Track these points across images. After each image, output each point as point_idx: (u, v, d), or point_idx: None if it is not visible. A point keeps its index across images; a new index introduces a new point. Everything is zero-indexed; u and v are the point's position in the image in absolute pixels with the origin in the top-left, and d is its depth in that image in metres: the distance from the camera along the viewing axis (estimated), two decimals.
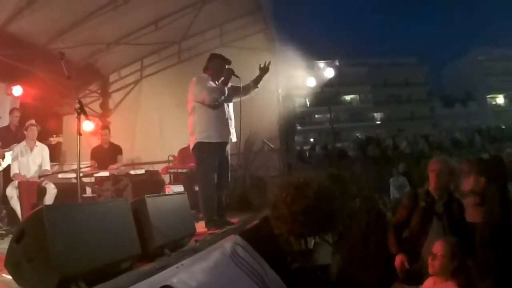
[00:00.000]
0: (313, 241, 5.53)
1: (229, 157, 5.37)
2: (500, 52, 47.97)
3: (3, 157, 6.61)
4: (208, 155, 5.05)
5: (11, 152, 6.62)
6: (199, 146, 5.05)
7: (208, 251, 3.60)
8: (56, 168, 8.45)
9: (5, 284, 2.67)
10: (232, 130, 5.27)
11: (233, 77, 5.23)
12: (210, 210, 5.02)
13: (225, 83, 5.16)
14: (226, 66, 5.26)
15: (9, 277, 2.56)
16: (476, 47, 50.57)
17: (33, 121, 6.77)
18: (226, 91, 5.11)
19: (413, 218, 4.00)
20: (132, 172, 7.32)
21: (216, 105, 5.06)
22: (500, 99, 50.05)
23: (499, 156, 8.20)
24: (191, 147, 5.19)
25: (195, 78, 5.17)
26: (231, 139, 5.25)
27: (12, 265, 2.50)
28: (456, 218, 3.85)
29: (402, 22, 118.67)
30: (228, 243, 3.93)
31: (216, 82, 5.20)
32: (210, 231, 4.73)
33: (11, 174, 6.47)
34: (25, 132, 6.69)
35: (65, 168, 8.39)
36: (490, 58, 48.25)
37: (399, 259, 3.80)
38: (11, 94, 7.88)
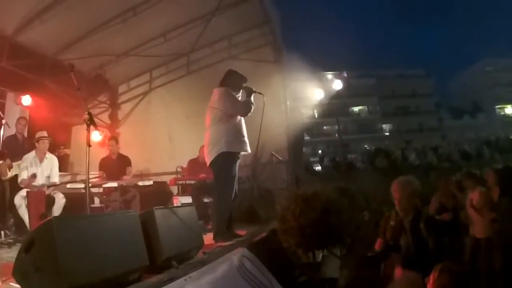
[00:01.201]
0: (321, 254, 5.48)
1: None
2: (508, 63, 47.44)
3: (10, 167, 6.63)
4: (232, 166, 5.13)
5: (18, 162, 6.66)
6: (225, 156, 5.08)
7: (216, 263, 3.58)
8: (68, 178, 8.49)
9: None
10: (247, 142, 5.35)
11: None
12: (223, 222, 5.03)
13: (249, 97, 5.32)
14: (243, 84, 5.40)
15: (17, 286, 2.57)
16: (483, 58, 50.36)
17: (44, 133, 6.81)
18: (254, 105, 5.28)
19: (388, 233, 4.18)
20: (140, 183, 7.32)
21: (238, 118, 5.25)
22: (508, 110, 49.57)
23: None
24: (210, 158, 5.17)
25: (220, 90, 5.25)
26: (246, 150, 5.32)
27: (20, 274, 2.52)
28: (421, 232, 3.95)
29: (409, 34, 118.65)
30: (236, 256, 3.91)
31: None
32: (218, 244, 4.72)
33: (19, 181, 6.50)
34: (36, 144, 6.71)
35: (74, 178, 8.40)
36: (498, 69, 47.90)
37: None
38: (20, 104, 7.93)
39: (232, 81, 5.37)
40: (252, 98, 5.31)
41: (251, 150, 5.37)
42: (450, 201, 6.94)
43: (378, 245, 4.04)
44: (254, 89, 5.34)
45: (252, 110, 5.25)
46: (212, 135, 5.20)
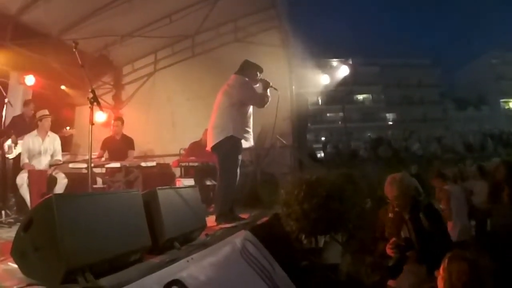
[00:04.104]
0: (323, 240, 5.48)
1: None
2: None
3: (16, 143, 6.60)
4: (237, 150, 5.16)
5: (23, 140, 6.64)
6: (232, 140, 5.09)
7: (218, 246, 3.57)
8: (68, 157, 8.47)
9: (10, 273, 2.64)
10: (251, 133, 5.40)
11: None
12: (228, 204, 5.04)
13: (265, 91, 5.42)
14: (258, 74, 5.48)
15: (15, 266, 2.53)
16: (489, 50, 49.95)
17: (46, 111, 6.75)
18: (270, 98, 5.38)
19: (387, 228, 4.06)
20: (143, 164, 7.29)
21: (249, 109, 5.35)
22: None
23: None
24: (215, 140, 5.17)
25: (240, 79, 5.32)
26: (250, 141, 5.37)
27: (19, 254, 2.47)
28: (422, 221, 3.88)
29: (416, 23, 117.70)
30: (238, 239, 3.90)
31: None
32: (221, 226, 4.71)
33: (21, 164, 6.48)
34: (39, 123, 6.67)
35: (77, 158, 8.38)
36: (504, 62, 47.60)
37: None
38: (24, 83, 7.89)
39: (250, 72, 5.43)
40: (268, 92, 5.38)
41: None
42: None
43: (389, 250, 3.86)
44: (270, 84, 5.41)
45: (268, 103, 5.34)
46: (220, 118, 5.21)
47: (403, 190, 3.94)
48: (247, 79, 5.33)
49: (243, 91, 5.21)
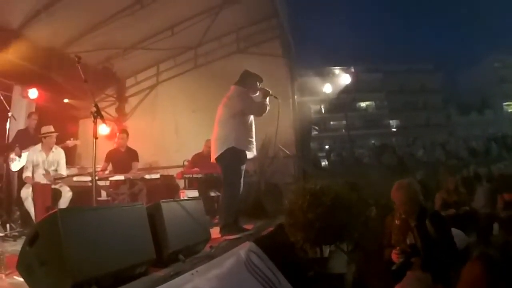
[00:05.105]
0: (328, 250, 5.46)
1: None
2: None
3: (20, 156, 6.63)
4: (239, 162, 5.17)
5: (27, 153, 6.67)
6: (234, 151, 5.11)
7: (223, 258, 3.56)
8: (72, 170, 8.49)
9: (17, 287, 2.65)
10: (254, 143, 5.40)
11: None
12: (231, 215, 5.03)
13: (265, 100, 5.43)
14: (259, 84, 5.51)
15: (21, 279, 2.54)
16: (492, 54, 49.84)
17: (51, 128, 6.78)
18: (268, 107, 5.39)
19: (393, 235, 4.06)
20: (147, 176, 7.31)
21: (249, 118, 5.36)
22: None
23: None
24: (218, 152, 5.19)
25: (238, 89, 5.35)
26: (253, 151, 5.38)
27: (25, 268, 2.49)
28: (428, 229, 3.86)
29: (418, 28, 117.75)
30: (243, 250, 3.89)
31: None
32: (225, 237, 4.70)
33: (23, 177, 6.50)
34: (43, 139, 6.71)
35: (82, 171, 8.40)
36: (506, 65, 47.45)
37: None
38: (27, 97, 7.94)
39: (249, 81, 5.46)
40: (267, 100, 5.40)
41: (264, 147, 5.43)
42: (452, 197, 7.04)
43: (395, 256, 3.87)
44: (270, 92, 5.44)
45: (266, 112, 5.35)
46: (222, 130, 5.24)
47: (411, 196, 3.95)
48: (245, 89, 5.36)
49: (241, 101, 5.24)
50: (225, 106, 5.30)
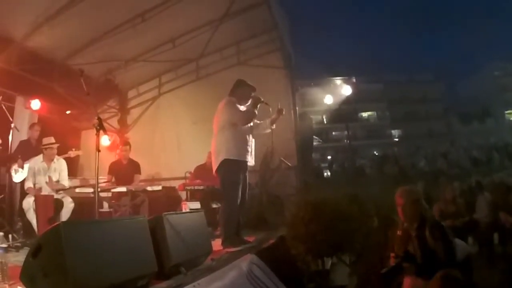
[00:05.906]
0: (330, 262, 5.45)
1: (247, 178, 5.46)
2: None
3: (22, 167, 6.65)
4: (234, 172, 5.16)
5: (29, 164, 6.69)
6: (227, 163, 5.12)
7: (224, 270, 3.56)
8: (77, 182, 8.50)
9: None
10: (252, 153, 5.40)
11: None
12: (232, 227, 5.04)
13: (254, 107, 5.37)
14: (252, 93, 5.47)
15: None
16: (492, 63, 49.86)
17: (52, 139, 6.80)
18: (256, 115, 5.36)
19: (396, 245, 4.11)
20: (149, 188, 7.33)
21: (243, 127, 5.30)
22: None
23: None
24: (215, 165, 5.22)
25: (225, 100, 5.34)
26: (248, 160, 5.34)
27: (28, 279, 2.51)
28: (427, 238, 3.90)
29: (418, 38, 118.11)
30: (245, 263, 3.89)
31: (243, 106, 5.41)
32: (227, 250, 4.70)
33: (25, 188, 6.52)
34: (44, 151, 6.73)
35: (84, 182, 8.42)
36: (507, 74, 47.39)
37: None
38: (29, 108, 7.99)
39: (240, 91, 5.45)
40: (256, 109, 5.35)
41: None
42: (450, 208, 7.01)
43: (392, 261, 3.95)
44: (262, 99, 5.41)
45: (253, 120, 5.35)
46: (216, 142, 5.27)
47: (413, 198, 4.01)
48: (234, 98, 5.35)
49: (226, 111, 5.23)
50: (216, 117, 5.33)
